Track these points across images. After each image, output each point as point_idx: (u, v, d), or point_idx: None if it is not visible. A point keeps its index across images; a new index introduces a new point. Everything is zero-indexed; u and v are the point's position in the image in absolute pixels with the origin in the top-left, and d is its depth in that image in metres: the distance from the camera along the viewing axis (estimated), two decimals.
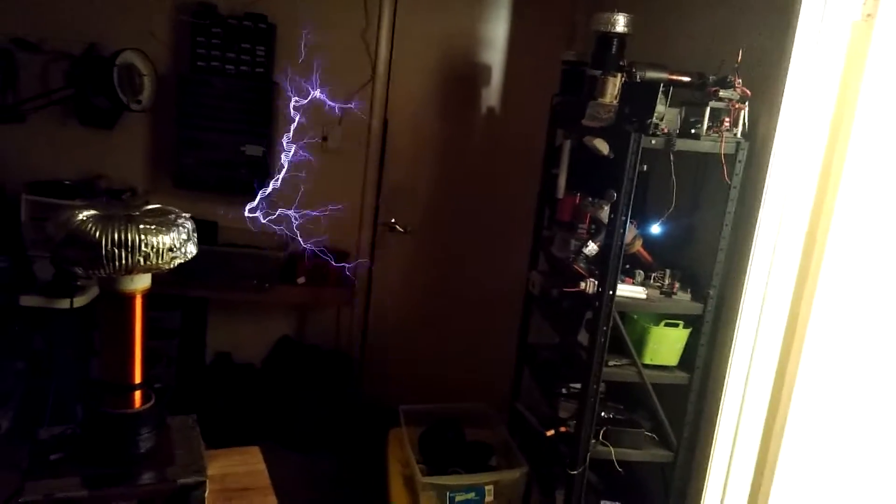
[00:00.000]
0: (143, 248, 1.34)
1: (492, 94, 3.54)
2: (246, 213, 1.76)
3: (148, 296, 1.50)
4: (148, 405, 1.53)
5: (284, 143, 2.11)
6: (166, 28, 3.23)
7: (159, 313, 3.26)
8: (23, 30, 3.12)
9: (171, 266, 1.41)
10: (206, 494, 1.52)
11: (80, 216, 1.36)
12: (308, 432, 3.37)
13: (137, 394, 1.52)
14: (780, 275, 1.90)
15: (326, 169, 3.15)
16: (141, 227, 1.35)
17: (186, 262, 1.40)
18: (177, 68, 3.23)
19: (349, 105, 3.00)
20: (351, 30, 3.34)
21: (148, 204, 1.50)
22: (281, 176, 2.11)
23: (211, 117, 3.18)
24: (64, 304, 2.66)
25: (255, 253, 3.27)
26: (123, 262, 1.33)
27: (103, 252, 1.31)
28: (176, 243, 1.40)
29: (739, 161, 1.90)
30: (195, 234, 1.48)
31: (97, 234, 1.32)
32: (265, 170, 3.23)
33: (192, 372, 3.47)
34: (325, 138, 3.38)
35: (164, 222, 1.40)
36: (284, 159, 2.11)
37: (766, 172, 1.84)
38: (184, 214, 1.47)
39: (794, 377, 1.90)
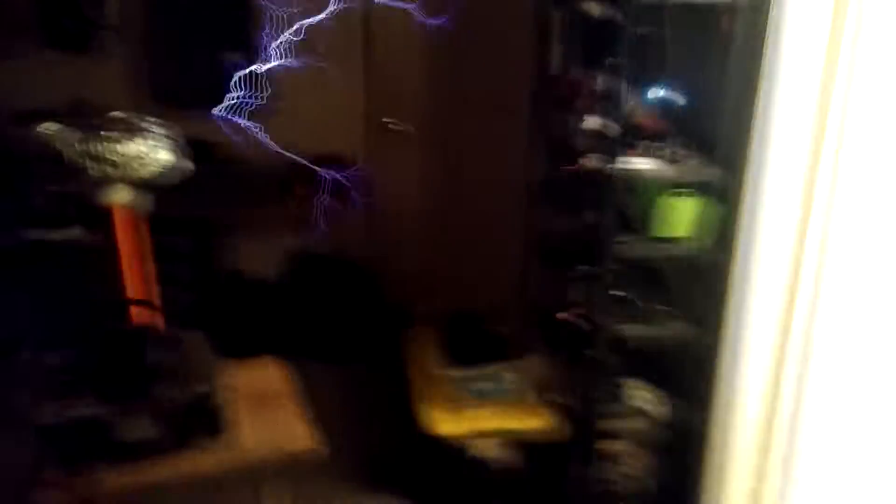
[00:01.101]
0: (108, 156, 1.28)
1: None
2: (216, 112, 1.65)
3: (146, 210, 1.44)
4: (155, 320, 1.51)
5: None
6: None
7: (167, 237, 3.22)
8: None
9: (146, 174, 1.35)
10: (225, 402, 1.51)
11: (44, 129, 1.29)
12: (329, 343, 3.40)
13: (143, 309, 1.50)
14: (795, 131, 1.79)
15: (314, 70, 3.01)
16: (105, 134, 1.28)
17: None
18: None
19: None
20: None
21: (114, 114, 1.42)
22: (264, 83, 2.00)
23: (186, 27, 3.02)
24: (69, 233, 2.62)
25: (250, 168, 3.18)
26: (93, 172, 1.27)
27: (70, 164, 1.25)
28: (143, 149, 1.33)
29: (741, 9, 1.75)
30: (170, 141, 1.41)
31: (61, 145, 1.25)
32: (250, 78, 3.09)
33: (207, 292, 3.47)
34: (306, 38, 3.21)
35: (129, 129, 1.32)
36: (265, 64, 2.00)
37: (770, 19, 1.70)
38: (150, 120, 1.39)
39: (817, 238, 1.82)
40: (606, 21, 1.93)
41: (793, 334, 1.93)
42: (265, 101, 3.07)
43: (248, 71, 3.17)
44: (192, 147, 3.18)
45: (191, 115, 3.15)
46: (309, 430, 1.58)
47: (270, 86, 3.19)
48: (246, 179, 3.20)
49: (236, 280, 3.57)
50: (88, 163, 1.26)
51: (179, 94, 3.09)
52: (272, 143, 3.40)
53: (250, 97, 3.20)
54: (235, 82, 3.19)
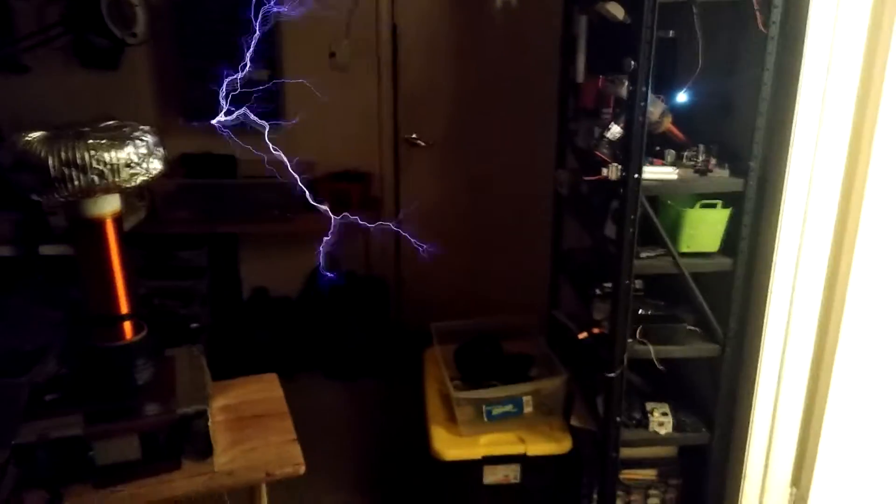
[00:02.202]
0: (95, 165, 1.23)
1: None
2: (215, 122, 1.60)
3: (119, 219, 1.39)
4: (140, 336, 1.46)
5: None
6: None
7: (187, 252, 3.22)
8: None
9: (134, 184, 1.30)
10: (210, 423, 1.45)
11: (27, 138, 1.25)
12: (349, 359, 3.34)
13: (127, 325, 1.44)
14: (831, 137, 1.67)
15: (337, 86, 3.00)
16: (90, 142, 1.23)
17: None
18: None
19: None
20: None
21: (106, 121, 1.37)
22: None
23: (212, 43, 3.03)
24: (55, 248, 2.63)
25: (274, 182, 3.14)
26: (77, 182, 1.22)
27: (52, 174, 1.21)
28: (133, 158, 1.28)
29: (776, 6, 1.63)
30: (159, 149, 1.35)
31: (44, 154, 1.21)
32: (274, 94, 3.08)
33: (229, 309, 3.45)
34: (332, 54, 3.18)
35: (117, 136, 1.28)
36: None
37: (807, 14, 1.58)
38: (142, 127, 1.34)
39: (852, 251, 1.69)
40: (630, 24, 1.83)
41: (827, 353, 1.79)
42: (289, 116, 3.06)
43: (271, 85, 3.17)
44: (216, 161, 3.20)
45: (213, 129, 3.18)
46: (300, 452, 1.50)
47: (295, 101, 3.16)
48: (267, 194, 3.18)
49: (261, 299, 3.54)
50: (73, 172, 1.21)
51: (202, 108, 3.09)
52: (296, 157, 3.35)
53: (274, 112, 3.18)
54: (260, 97, 3.19)
